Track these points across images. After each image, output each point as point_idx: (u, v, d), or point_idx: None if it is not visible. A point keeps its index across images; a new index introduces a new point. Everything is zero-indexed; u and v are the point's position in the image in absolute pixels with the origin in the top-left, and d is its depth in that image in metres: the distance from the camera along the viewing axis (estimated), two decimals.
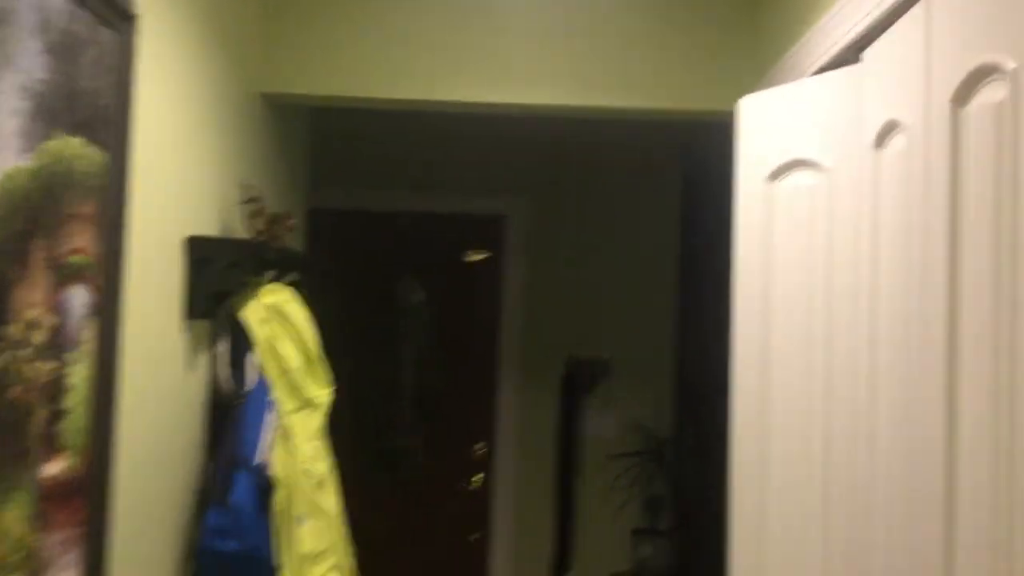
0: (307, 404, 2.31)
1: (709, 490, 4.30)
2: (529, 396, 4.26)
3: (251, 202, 2.29)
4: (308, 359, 2.32)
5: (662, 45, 2.69)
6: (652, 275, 4.36)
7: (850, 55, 1.86)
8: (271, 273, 2.48)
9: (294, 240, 2.89)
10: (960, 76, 1.35)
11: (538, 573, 4.23)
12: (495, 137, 4.26)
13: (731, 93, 2.28)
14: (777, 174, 2.00)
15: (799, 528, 1.87)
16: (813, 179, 1.92)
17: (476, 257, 4.38)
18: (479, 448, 4.28)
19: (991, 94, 1.26)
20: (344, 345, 4.33)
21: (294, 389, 2.29)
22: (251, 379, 2.24)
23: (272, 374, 2.27)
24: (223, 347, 2.23)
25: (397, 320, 4.47)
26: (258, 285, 2.32)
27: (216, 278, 2.09)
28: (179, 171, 2.04)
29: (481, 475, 4.26)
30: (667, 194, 4.39)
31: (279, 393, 2.27)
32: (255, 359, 2.25)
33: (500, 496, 4.27)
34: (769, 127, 2.03)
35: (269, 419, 2.22)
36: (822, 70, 1.97)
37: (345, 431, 4.44)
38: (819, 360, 1.86)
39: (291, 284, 2.53)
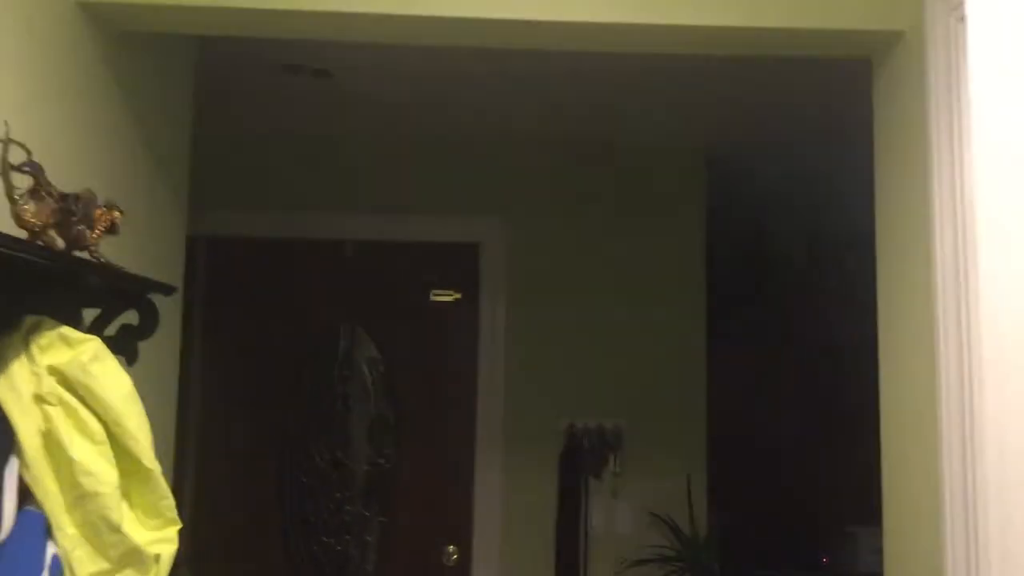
0: (129, 560, 1.19)
1: None
2: (517, 480, 3.37)
3: (19, 170, 1.19)
4: (132, 472, 1.21)
5: None
6: (672, 317, 3.46)
7: None
8: (84, 311, 1.38)
9: (151, 264, 1.77)
10: None
11: None
12: (463, 141, 3.42)
13: None
14: None
15: None
16: None
17: (443, 298, 3.51)
18: (451, 553, 3.36)
19: None
20: (257, 419, 3.37)
21: (102, 532, 1.17)
22: (9, 514, 1.12)
23: (54, 504, 1.15)
24: None
25: (338, 382, 3.44)
26: (35, 330, 1.21)
27: None
28: None
29: None
30: (687, 211, 3.51)
31: (69, 541, 1.15)
32: (18, 474, 1.14)
33: None
34: None
35: None
36: None
37: (266, 534, 3.42)
38: None
39: (123, 333, 1.43)
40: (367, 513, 3.43)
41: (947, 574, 1.35)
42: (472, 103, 3.03)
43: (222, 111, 3.05)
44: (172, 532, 1.24)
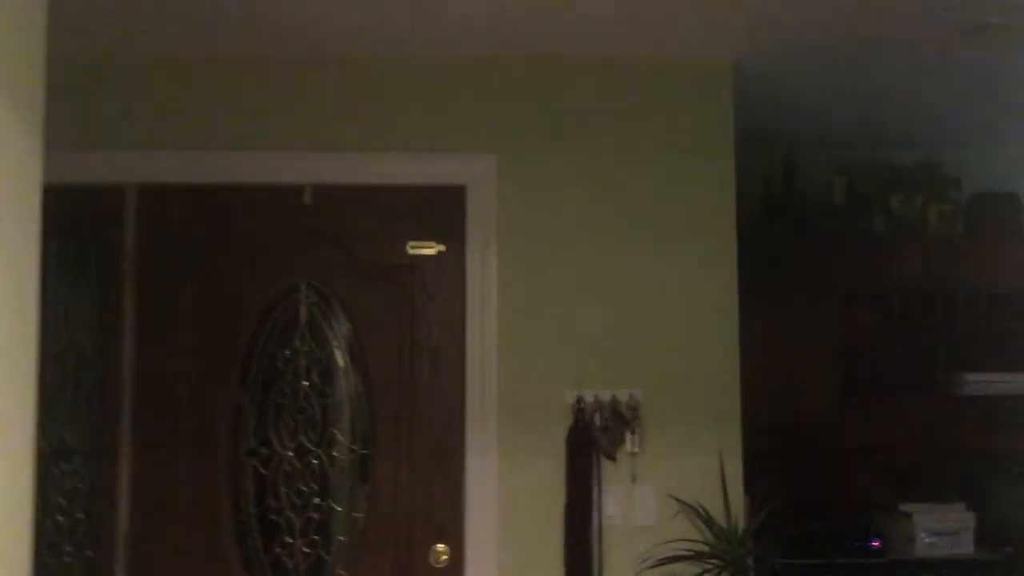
0: None
1: None
2: (516, 465, 2.91)
3: None
4: None
5: None
6: (697, 266, 2.96)
7: None
8: None
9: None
10: None
11: None
12: (441, 63, 2.94)
13: None
14: None
15: None
16: None
17: (422, 251, 2.99)
18: (440, 552, 2.89)
19: None
20: (204, 401, 2.80)
21: None
22: None
23: None
24: None
25: (300, 354, 3.04)
26: None
27: None
28: None
29: None
30: (711, 137, 2.99)
31: None
32: None
33: None
34: None
35: None
36: None
37: (217, 537, 2.85)
38: None
39: None
40: (339, 508, 2.93)
41: None
42: (451, 16, 2.49)
43: (134, 35, 2.49)
44: None
